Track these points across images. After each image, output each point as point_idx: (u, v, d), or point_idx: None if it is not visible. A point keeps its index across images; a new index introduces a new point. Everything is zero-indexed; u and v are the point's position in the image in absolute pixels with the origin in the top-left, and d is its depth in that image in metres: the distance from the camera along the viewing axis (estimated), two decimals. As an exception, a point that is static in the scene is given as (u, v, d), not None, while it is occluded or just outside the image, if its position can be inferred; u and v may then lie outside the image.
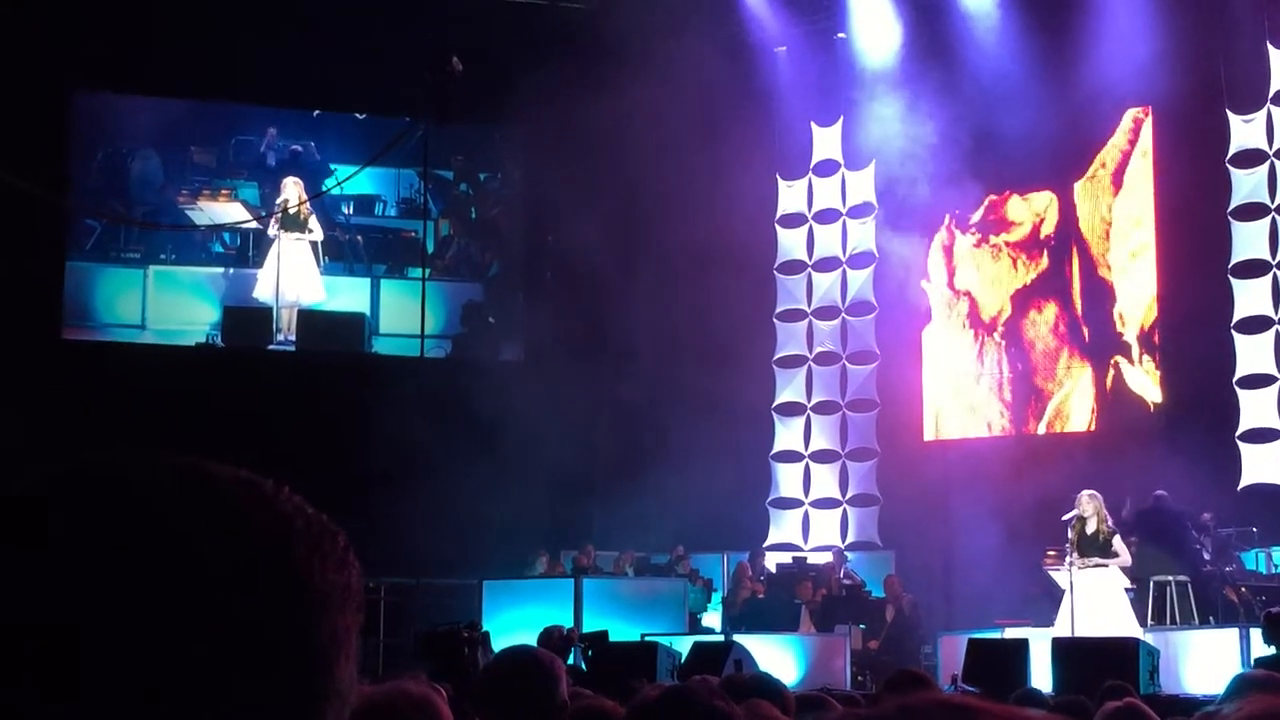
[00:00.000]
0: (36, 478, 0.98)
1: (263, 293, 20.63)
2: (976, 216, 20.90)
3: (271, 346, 20.11)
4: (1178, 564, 15.93)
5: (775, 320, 21.78)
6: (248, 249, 21.27)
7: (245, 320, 20.16)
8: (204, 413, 17.87)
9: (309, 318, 20.38)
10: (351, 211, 21.94)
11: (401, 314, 20.67)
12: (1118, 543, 14.99)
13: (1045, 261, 20.51)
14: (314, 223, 20.82)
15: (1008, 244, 20.77)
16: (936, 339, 21.03)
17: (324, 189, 20.80)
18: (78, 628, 0.92)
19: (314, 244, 20.87)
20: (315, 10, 19.31)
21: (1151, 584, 15.75)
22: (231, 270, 21.13)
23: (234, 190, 21.28)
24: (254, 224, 20.94)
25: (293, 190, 20.61)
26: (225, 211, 21.03)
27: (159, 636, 0.92)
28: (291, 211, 20.45)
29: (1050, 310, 20.40)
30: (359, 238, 21.74)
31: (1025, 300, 20.58)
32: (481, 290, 21.97)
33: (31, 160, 18.18)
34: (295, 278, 20.55)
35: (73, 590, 0.93)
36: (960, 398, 20.85)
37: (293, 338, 20.30)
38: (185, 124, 21.14)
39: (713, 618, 18.70)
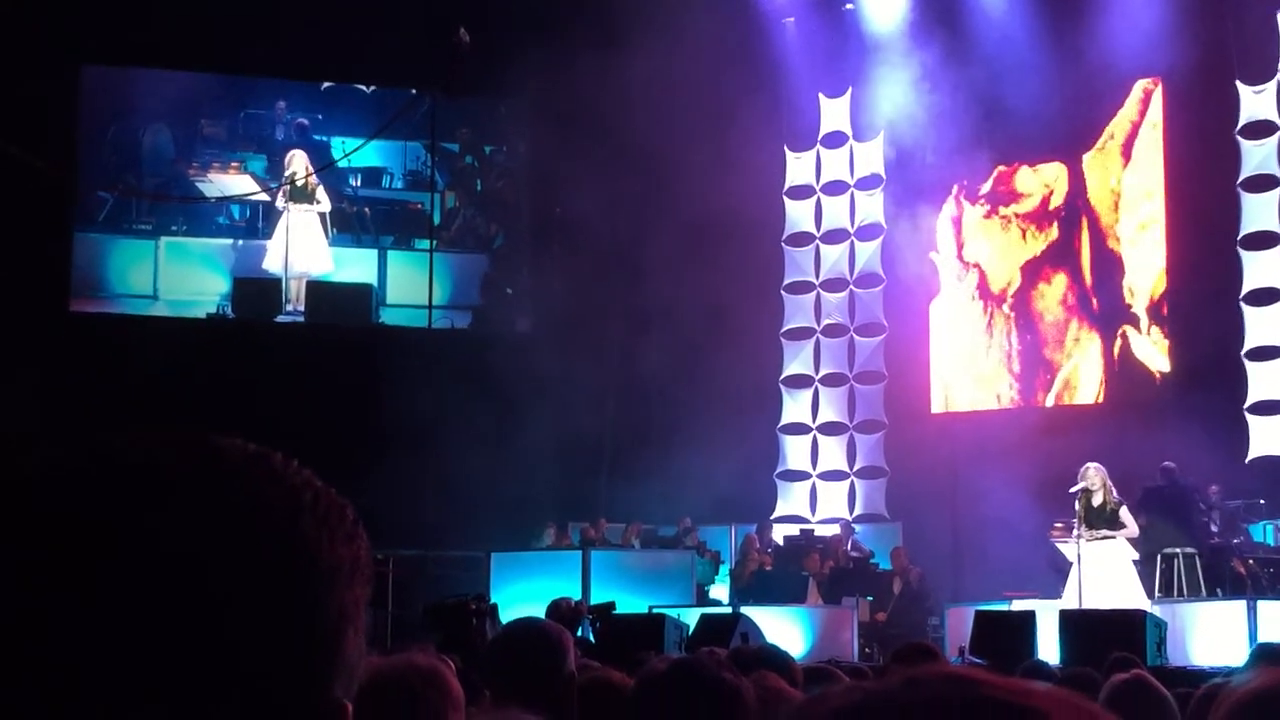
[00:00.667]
0: (39, 458, 0.99)
1: (272, 264, 20.75)
2: (986, 188, 20.85)
3: (281, 317, 20.20)
4: (1185, 537, 15.91)
5: (783, 292, 21.75)
6: (257, 221, 21.34)
7: (255, 291, 20.25)
8: (214, 383, 17.93)
9: (317, 289, 20.50)
10: (359, 183, 21.97)
11: (408, 285, 20.73)
12: (1125, 514, 14.95)
13: (1055, 233, 20.45)
14: (322, 194, 20.91)
15: (1017, 215, 20.71)
16: (945, 311, 20.98)
17: (330, 162, 20.84)
18: (85, 608, 0.92)
19: (322, 216, 20.97)
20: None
21: (1159, 556, 15.73)
22: (241, 242, 21.22)
23: (243, 163, 21.33)
24: (263, 196, 20.99)
25: (299, 162, 20.70)
26: (235, 184, 21.09)
27: (166, 613, 0.93)
28: (299, 184, 20.51)
29: (1059, 282, 20.35)
30: (366, 209, 21.77)
31: (1034, 272, 20.53)
32: (487, 262, 22.00)
33: (42, 134, 18.21)
34: (304, 249, 20.67)
35: (79, 571, 0.93)
36: (969, 370, 20.82)
37: (302, 308, 20.41)
38: (195, 97, 21.16)
39: (720, 590, 18.71)
